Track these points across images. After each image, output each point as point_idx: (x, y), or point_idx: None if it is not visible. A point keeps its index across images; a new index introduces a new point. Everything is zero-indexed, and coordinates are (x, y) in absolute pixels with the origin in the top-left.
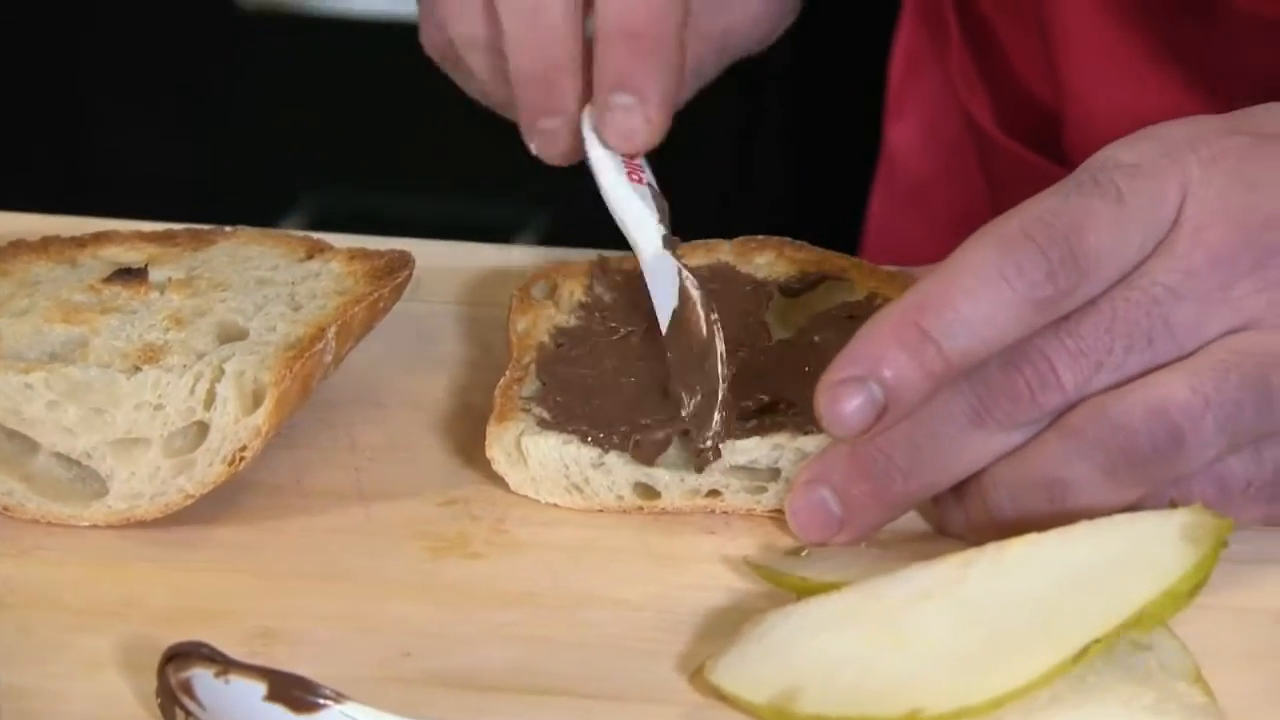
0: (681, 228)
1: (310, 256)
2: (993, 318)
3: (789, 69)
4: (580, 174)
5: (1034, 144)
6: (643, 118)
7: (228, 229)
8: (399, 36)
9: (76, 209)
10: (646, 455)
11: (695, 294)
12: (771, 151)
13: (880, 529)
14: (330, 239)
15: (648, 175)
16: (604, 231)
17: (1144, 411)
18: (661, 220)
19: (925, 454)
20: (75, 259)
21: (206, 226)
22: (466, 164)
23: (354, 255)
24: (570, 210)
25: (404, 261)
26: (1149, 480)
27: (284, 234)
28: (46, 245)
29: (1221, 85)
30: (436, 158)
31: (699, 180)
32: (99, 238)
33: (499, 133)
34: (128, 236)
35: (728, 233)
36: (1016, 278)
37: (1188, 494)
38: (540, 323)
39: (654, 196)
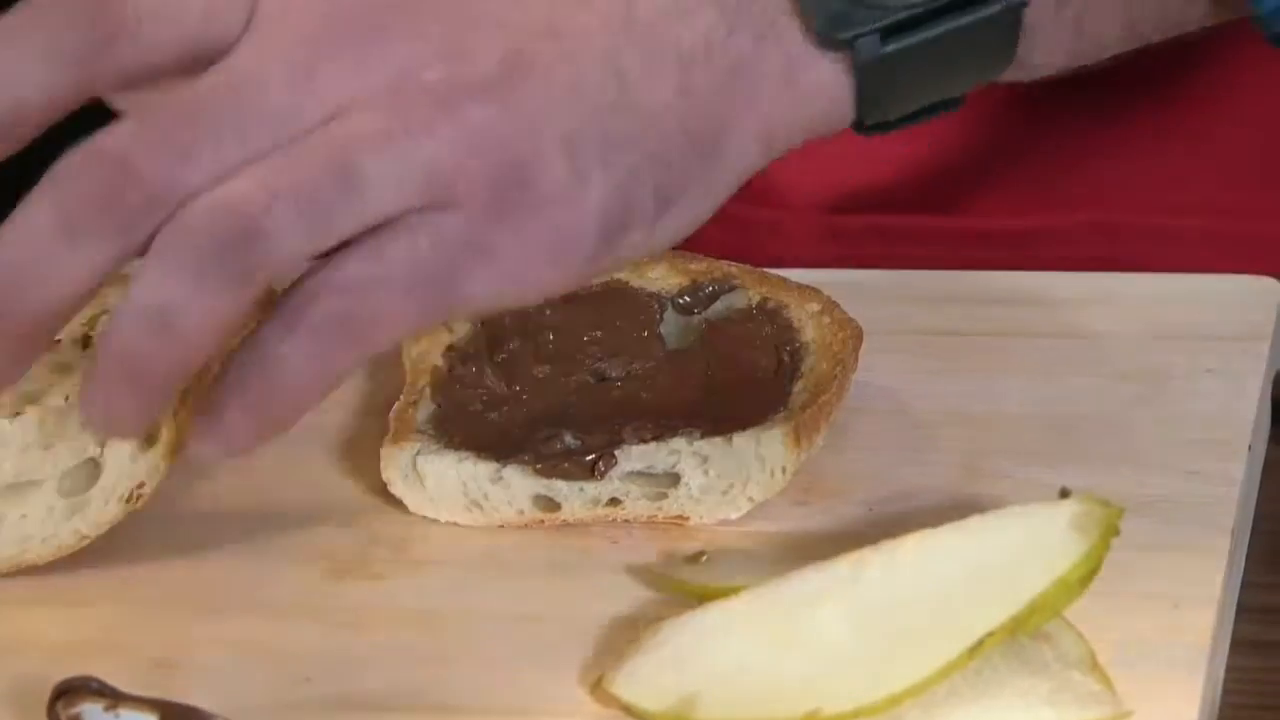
0: None
1: None
2: (15, 72)
3: None
4: None
5: None
6: None
7: None
8: None
9: None
10: (546, 467)
11: None
12: None
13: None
14: None
15: None
16: None
17: (207, 209)
18: None
19: (20, 282)
20: None
21: None
22: None
23: None
24: None
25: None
26: (236, 278)
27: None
28: None
29: None
30: None
31: None
32: None
33: None
34: None
35: None
36: (36, 30)
37: (320, 308)
38: (434, 348)
39: None
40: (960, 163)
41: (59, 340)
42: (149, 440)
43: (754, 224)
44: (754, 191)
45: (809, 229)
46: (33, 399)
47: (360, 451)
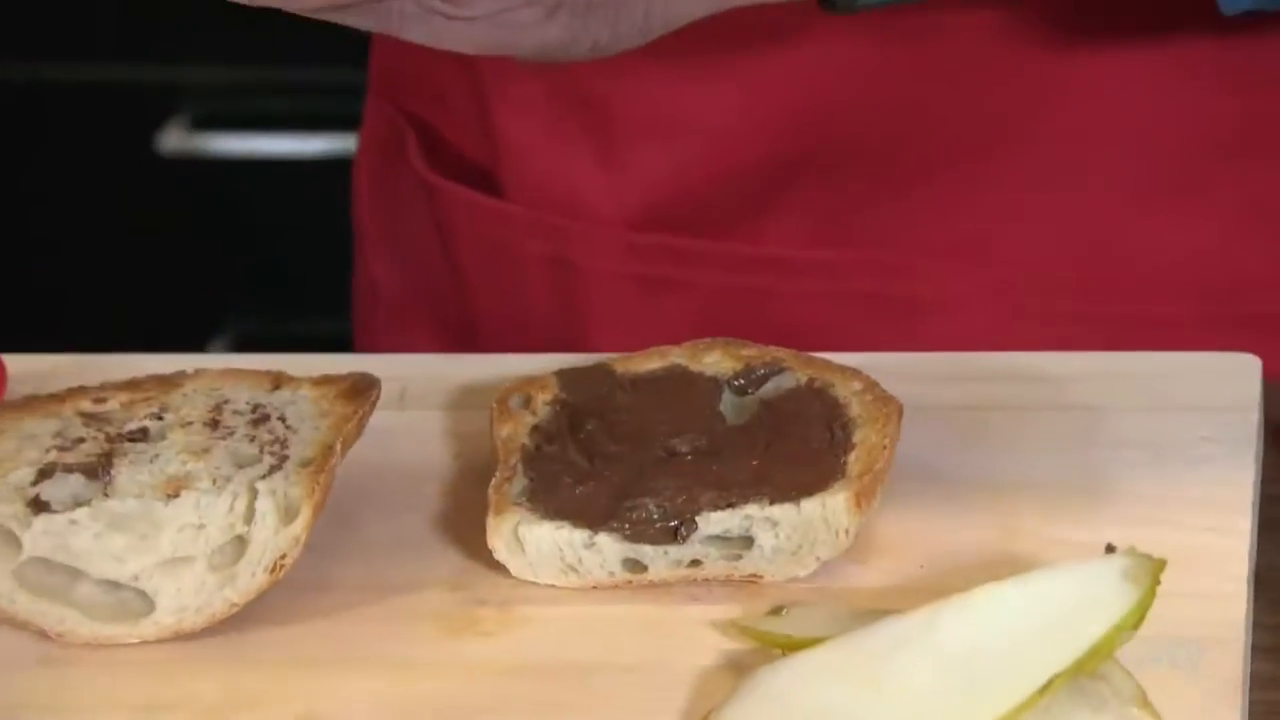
0: None
1: (278, 386)
2: None
3: None
4: None
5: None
6: None
7: (189, 370)
8: (305, 174)
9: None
10: (634, 533)
11: None
12: None
13: None
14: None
15: None
16: None
17: None
18: None
19: None
20: (58, 413)
21: (169, 372)
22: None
23: (318, 381)
24: None
25: (370, 381)
26: None
27: (242, 370)
28: (29, 403)
29: None
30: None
31: None
32: (73, 393)
33: None
34: (97, 387)
35: None
36: None
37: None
38: (520, 429)
39: None
40: (764, 188)
41: (191, 423)
42: (289, 516)
43: (566, 232)
44: (564, 201)
45: (612, 244)
46: (184, 483)
47: (458, 524)
